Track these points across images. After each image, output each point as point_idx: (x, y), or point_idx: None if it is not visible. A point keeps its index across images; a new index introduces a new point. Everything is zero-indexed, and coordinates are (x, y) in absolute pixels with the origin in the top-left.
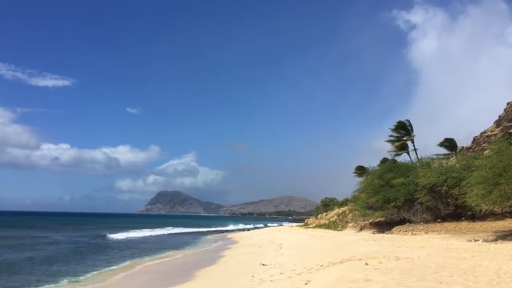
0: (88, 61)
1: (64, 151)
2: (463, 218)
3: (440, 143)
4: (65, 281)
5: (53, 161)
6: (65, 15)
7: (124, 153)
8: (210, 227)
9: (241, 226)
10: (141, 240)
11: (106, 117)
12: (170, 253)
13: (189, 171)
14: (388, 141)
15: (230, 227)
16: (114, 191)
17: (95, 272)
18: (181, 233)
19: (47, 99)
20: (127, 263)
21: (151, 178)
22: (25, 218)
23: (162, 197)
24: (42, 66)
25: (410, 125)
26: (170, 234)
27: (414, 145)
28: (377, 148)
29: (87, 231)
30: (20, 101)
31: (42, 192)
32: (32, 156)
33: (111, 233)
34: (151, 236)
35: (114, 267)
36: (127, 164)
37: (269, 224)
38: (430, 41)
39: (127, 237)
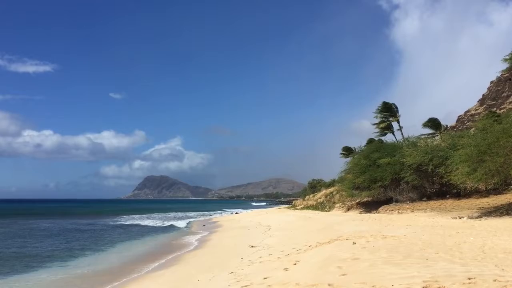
0: (68, 46)
1: (46, 138)
2: (448, 196)
3: (425, 123)
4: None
5: (36, 148)
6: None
7: (108, 139)
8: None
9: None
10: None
11: (89, 102)
12: (156, 236)
13: (175, 155)
14: (374, 124)
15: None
16: (100, 177)
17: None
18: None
19: (28, 85)
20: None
21: (137, 164)
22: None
23: (149, 182)
24: (21, 52)
25: (395, 106)
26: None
27: (399, 125)
28: (362, 129)
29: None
30: (1, 88)
31: (26, 179)
32: (14, 143)
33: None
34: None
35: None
36: (112, 149)
37: (253, 204)
38: (412, 21)
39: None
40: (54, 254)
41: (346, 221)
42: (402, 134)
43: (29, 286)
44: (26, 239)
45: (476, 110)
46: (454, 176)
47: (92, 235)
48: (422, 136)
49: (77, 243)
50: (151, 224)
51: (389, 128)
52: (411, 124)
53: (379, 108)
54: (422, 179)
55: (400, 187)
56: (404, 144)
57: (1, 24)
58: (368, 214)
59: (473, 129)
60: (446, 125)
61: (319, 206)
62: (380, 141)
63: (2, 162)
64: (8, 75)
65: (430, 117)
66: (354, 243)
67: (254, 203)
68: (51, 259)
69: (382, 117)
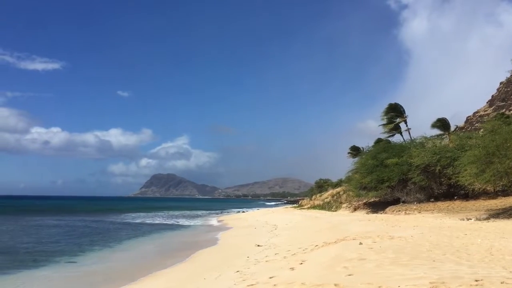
0: (77, 44)
1: (54, 135)
2: (456, 197)
3: (433, 123)
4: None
5: (44, 145)
6: None
7: (116, 136)
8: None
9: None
10: None
11: (96, 100)
12: (164, 234)
13: (182, 153)
14: (381, 125)
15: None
16: (107, 175)
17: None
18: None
19: (37, 82)
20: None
21: (144, 162)
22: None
23: (156, 180)
24: (31, 50)
25: (402, 107)
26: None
27: (407, 126)
28: (369, 129)
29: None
30: (10, 85)
31: (34, 176)
32: (22, 140)
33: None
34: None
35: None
36: (120, 147)
37: (267, 203)
38: (420, 21)
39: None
40: (63, 250)
41: (352, 221)
42: (410, 134)
43: (37, 282)
44: (34, 235)
45: (485, 111)
46: (462, 177)
47: (99, 232)
48: (430, 137)
49: (85, 240)
50: (158, 222)
51: (396, 129)
52: (418, 125)
53: (385, 110)
54: (430, 180)
55: (408, 187)
56: (411, 144)
57: (10, 22)
58: (375, 214)
59: (482, 130)
60: (456, 126)
61: (325, 206)
62: (388, 141)
63: (10, 159)
64: (17, 73)
65: (439, 117)
66: (360, 243)
67: (268, 203)
68: (59, 254)
69: (389, 119)
